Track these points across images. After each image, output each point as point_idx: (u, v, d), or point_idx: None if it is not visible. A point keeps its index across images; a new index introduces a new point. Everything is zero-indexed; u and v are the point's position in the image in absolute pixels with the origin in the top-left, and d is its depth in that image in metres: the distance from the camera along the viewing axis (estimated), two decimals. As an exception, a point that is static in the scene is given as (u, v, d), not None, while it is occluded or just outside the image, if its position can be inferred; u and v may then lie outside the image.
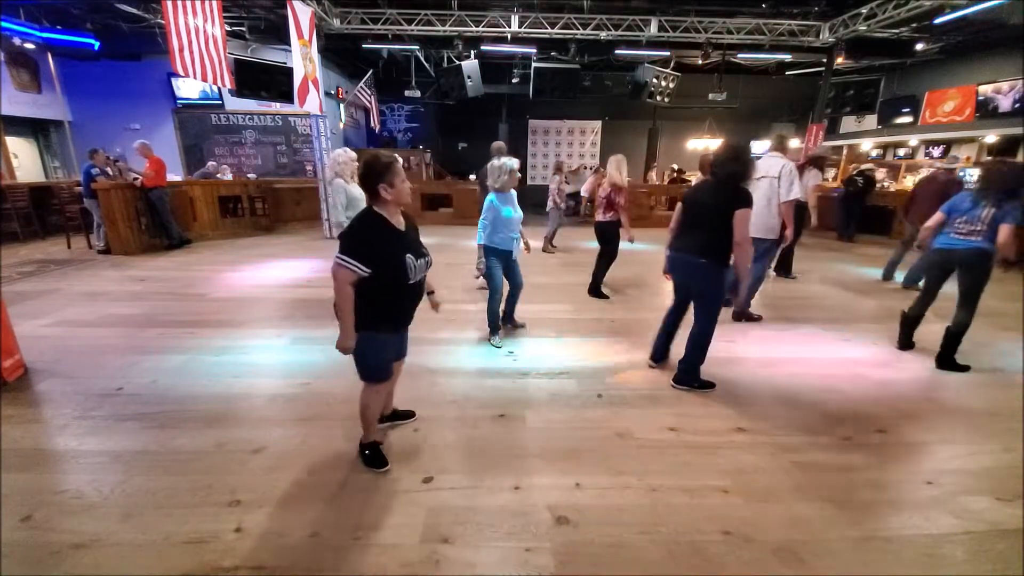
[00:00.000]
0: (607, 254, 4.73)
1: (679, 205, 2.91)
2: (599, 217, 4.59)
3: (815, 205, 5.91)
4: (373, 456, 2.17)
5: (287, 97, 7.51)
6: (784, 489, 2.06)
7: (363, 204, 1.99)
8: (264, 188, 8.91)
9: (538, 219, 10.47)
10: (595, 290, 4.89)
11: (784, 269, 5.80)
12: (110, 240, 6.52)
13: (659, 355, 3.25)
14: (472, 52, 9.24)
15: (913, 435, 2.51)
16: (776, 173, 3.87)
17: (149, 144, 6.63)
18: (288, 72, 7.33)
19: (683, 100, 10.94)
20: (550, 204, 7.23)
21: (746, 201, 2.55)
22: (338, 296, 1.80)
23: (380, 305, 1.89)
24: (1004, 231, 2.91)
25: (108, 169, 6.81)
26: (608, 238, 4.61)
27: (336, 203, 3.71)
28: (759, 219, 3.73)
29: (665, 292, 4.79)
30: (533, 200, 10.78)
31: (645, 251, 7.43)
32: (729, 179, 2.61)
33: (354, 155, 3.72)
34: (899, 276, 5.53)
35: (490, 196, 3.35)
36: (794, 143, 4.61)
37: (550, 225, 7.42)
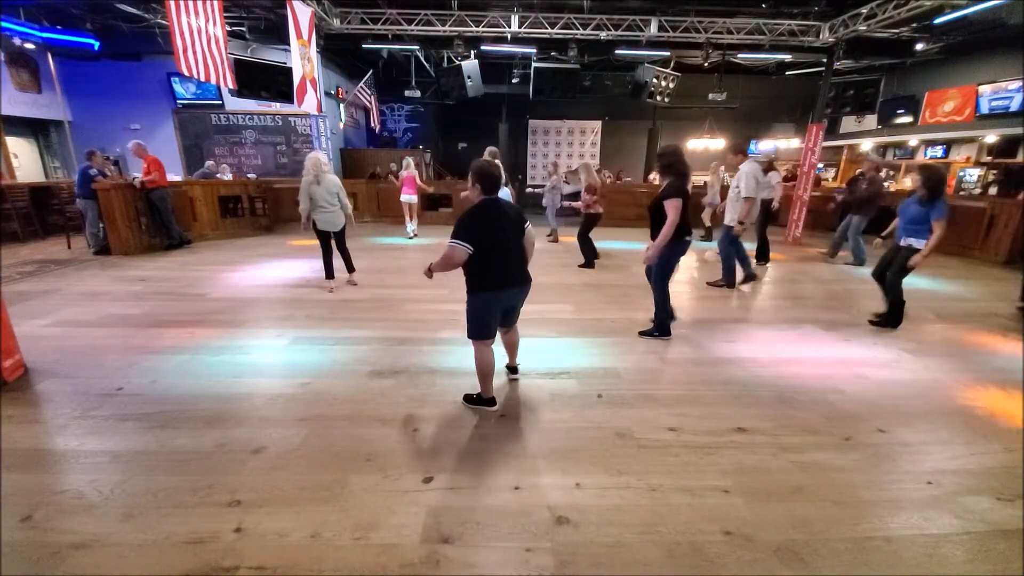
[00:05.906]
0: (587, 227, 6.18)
1: None
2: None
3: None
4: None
5: (287, 97, 7.53)
6: (785, 489, 2.06)
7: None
8: (264, 188, 8.90)
9: (539, 218, 10.43)
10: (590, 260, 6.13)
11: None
12: (110, 240, 6.52)
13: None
14: (472, 52, 9.24)
15: (913, 435, 2.51)
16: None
17: (143, 144, 6.64)
18: (288, 72, 7.33)
19: (683, 100, 10.94)
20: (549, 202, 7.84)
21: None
22: None
23: None
24: None
25: (106, 170, 6.81)
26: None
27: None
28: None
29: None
30: (534, 200, 10.76)
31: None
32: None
33: None
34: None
35: None
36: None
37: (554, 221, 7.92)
